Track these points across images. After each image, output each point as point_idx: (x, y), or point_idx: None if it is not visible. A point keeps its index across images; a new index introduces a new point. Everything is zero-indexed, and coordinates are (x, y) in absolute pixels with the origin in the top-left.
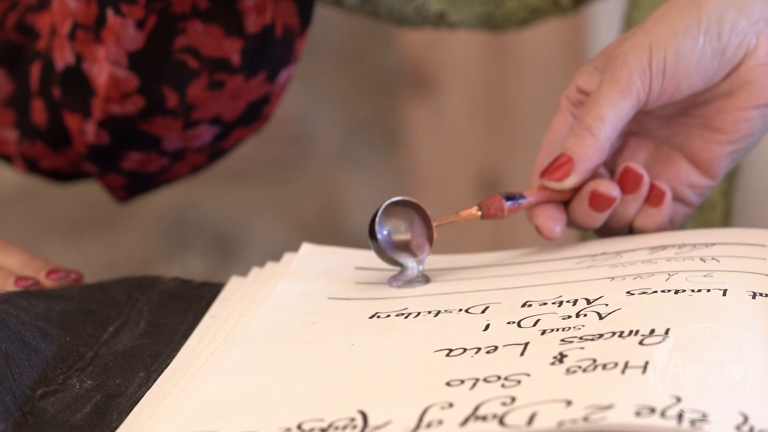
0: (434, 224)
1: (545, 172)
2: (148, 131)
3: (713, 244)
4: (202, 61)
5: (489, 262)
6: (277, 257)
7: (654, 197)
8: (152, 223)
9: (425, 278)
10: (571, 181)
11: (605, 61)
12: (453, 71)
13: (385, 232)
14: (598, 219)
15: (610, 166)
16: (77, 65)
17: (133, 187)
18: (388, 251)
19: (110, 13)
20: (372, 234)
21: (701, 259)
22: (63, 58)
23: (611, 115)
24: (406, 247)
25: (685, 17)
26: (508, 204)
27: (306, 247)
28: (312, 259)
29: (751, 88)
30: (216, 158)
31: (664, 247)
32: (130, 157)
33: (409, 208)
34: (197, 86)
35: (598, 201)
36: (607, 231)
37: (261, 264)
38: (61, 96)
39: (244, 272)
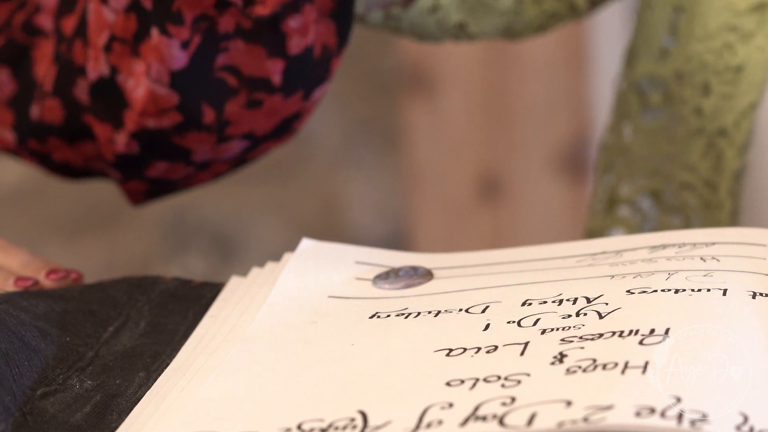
0: None
1: None
2: (180, 144)
3: (713, 243)
4: (242, 79)
5: (489, 260)
6: (277, 257)
7: None
8: (152, 223)
9: (427, 276)
10: None
11: None
12: (453, 71)
13: None
14: None
15: None
16: (112, 77)
17: (153, 192)
18: None
19: (155, 33)
20: None
21: (701, 259)
22: (96, 69)
23: None
24: None
25: None
26: None
27: (306, 243)
28: (312, 254)
29: None
30: (239, 166)
31: (664, 246)
32: (157, 166)
33: None
34: (235, 104)
35: None
36: None
37: (261, 264)
38: (89, 104)
39: (244, 272)
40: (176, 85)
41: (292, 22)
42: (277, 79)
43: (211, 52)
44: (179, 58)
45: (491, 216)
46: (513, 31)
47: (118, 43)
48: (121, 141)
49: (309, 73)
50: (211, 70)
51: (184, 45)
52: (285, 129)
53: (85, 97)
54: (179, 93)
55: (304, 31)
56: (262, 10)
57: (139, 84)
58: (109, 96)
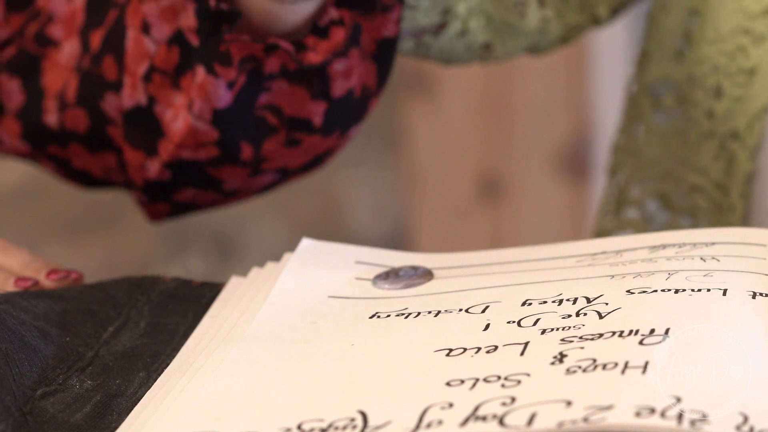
0: None
1: None
2: (214, 175)
3: (713, 243)
4: (283, 119)
5: (489, 260)
6: (277, 257)
7: None
8: (152, 224)
9: (427, 276)
10: None
11: None
12: (453, 71)
13: None
14: None
15: None
16: (149, 106)
17: (175, 213)
18: None
19: (201, 71)
20: None
21: (701, 259)
22: (133, 97)
23: None
24: None
25: None
26: None
27: (306, 243)
28: (312, 254)
29: None
30: (261, 192)
31: (664, 246)
32: (186, 192)
33: None
34: (274, 142)
35: None
36: None
37: (261, 264)
38: (123, 129)
39: (244, 272)
40: (217, 122)
41: (337, 66)
42: (318, 120)
43: (254, 91)
44: (224, 98)
45: (491, 216)
46: (537, 49)
47: (158, 74)
48: (153, 168)
49: (348, 114)
50: (253, 108)
51: (230, 85)
52: (315, 164)
53: (115, 113)
54: (219, 130)
55: (348, 75)
56: (314, 58)
57: (178, 117)
58: (145, 125)
